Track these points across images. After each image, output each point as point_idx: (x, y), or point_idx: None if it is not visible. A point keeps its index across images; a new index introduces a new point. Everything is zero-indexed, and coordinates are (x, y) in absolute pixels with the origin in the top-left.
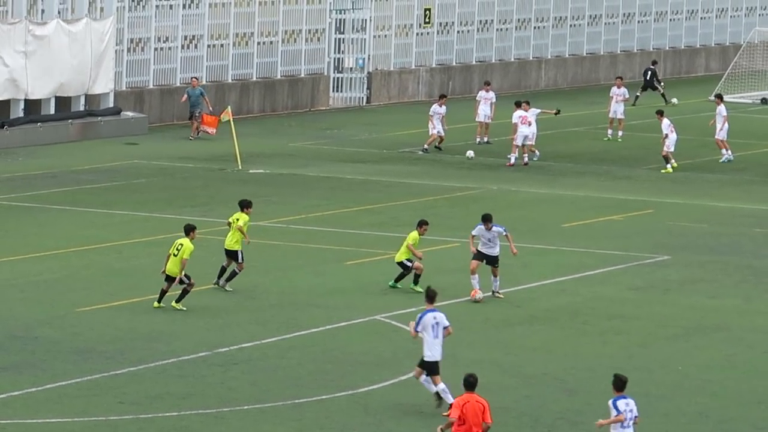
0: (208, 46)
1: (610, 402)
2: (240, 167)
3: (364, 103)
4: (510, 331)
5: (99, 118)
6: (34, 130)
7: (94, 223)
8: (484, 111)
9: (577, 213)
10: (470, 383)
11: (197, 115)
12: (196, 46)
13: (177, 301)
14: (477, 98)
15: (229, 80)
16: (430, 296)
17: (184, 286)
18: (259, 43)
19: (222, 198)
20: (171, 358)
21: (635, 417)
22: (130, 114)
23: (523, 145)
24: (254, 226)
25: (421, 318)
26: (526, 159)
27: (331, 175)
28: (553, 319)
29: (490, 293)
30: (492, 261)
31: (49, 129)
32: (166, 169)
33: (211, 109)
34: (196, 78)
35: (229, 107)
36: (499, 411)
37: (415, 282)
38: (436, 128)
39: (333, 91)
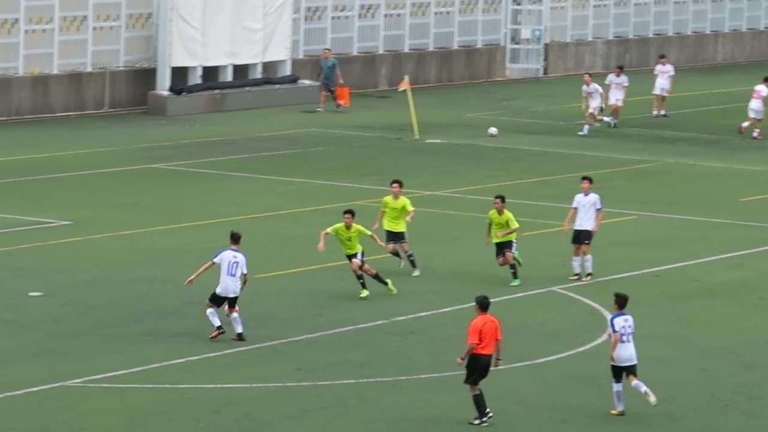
0: (385, 15)
1: (609, 319)
2: (417, 137)
3: (541, 75)
4: (686, 304)
5: (276, 85)
6: (212, 97)
7: (271, 190)
8: (661, 84)
9: (755, 187)
10: (485, 305)
11: (332, 87)
12: (372, 15)
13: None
14: (654, 71)
15: (406, 50)
16: (621, 302)
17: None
18: (435, 13)
19: (398, 168)
20: (348, 326)
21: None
22: (306, 82)
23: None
24: (431, 196)
25: (612, 321)
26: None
27: (507, 146)
28: (730, 293)
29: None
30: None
31: (227, 96)
32: (342, 138)
33: (341, 81)
34: (328, 49)
35: (406, 77)
36: (675, 384)
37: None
38: (614, 98)
39: (509, 62)
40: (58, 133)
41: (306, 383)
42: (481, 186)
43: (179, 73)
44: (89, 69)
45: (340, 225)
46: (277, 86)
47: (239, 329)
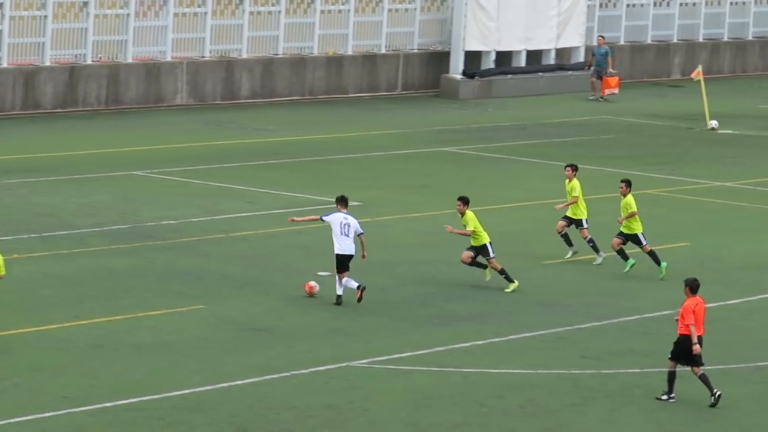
0: (680, 4)
1: None
2: (709, 127)
3: None
4: None
5: (569, 72)
6: (504, 81)
7: (561, 176)
8: None
9: None
10: (696, 287)
11: (601, 75)
12: (668, 4)
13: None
14: None
15: (700, 39)
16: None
17: None
18: (731, 3)
19: (689, 157)
20: (634, 314)
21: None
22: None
23: None
24: (721, 186)
25: None
26: None
27: None
28: None
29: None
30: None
31: (520, 81)
32: (633, 126)
33: (612, 70)
34: (602, 37)
35: (699, 67)
36: None
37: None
38: None
39: None
40: (350, 114)
41: (590, 371)
42: None
43: (472, 57)
44: (383, 51)
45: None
46: (569, 73)
47: (340, 291)
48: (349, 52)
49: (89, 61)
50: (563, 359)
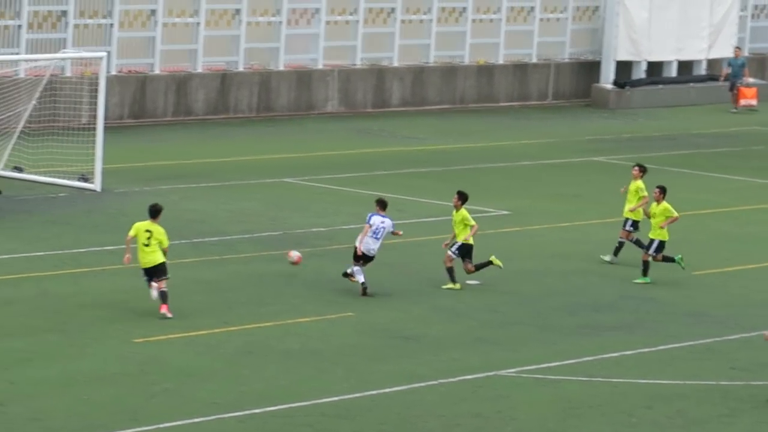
0: None
1: None
2: None
3: None
4: None
5: (720, 83)
6: (655, 91)
7: (710, 187)
8: None
9: None
10: None
11: (737, 86)
12: None
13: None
14: None
15: None
16: None
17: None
18: None
19: None
20: None
21: None
22: (751, 80)
23: None
24: None
25: None
26: None
27: None
28: None
29: None
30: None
31: (670, 92)
32: None
33: (749, 80)
34: (738, 48)
35: None
36: None
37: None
38: None
39: None
40: (500, 123)
41: (739, 382)
42: None
43: (623, 67)
44: (534, 60)
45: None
46: (720, 83)
47: (362, 278)
48: (500, 61)
49: (241, 69)
50: (712, 370)
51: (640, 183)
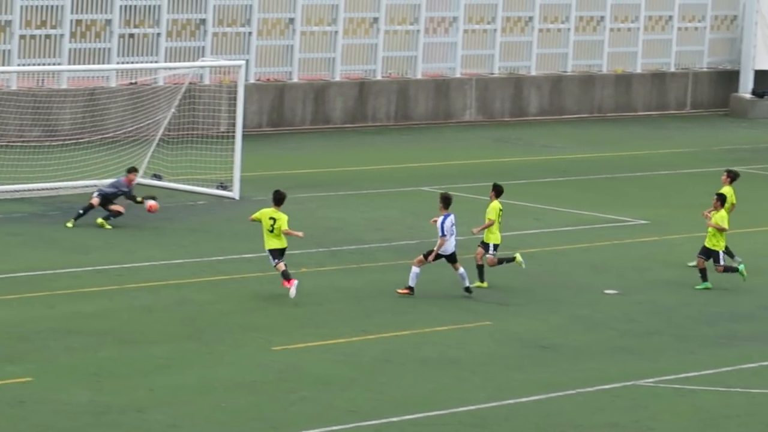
0: None
1: None
2: None
3: None
4: None
5: None
6: None
7: None
8: None
9: None
10: None
11: None
12: None
13: None
14: None
15: None
16: None
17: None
18: None
19: None
20: None
21: None
22: None
23: None
24: None
25: None
26: None
27: None
28: None
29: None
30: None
31: None
32: None
33: None
34: None
35: None
36: None
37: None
38: None
39: None
40: (638, 132)
41: None
42: None
43: (762, 77)
44: (672, 69)
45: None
46: None
47: (465, 283)
48: (638, 70)
49: (379, 77)
50: None
51: (729, 189)
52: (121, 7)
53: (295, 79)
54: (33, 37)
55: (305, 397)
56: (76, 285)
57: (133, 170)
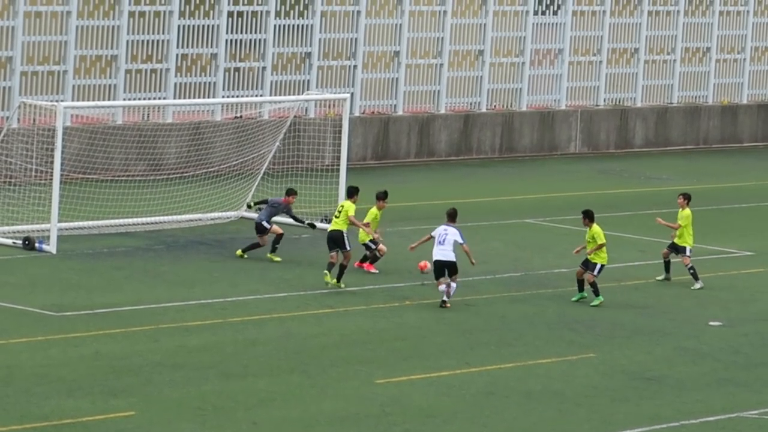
0: None
1: None
2: None
3: None
4: None
5: None
6: None
7: None
8: None
9: None
10: None
11: None
12: None
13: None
14: None
15: None
16: None
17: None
18: None
19: None
20: None
21: None
22: None
23: None
24: None
25: None
26: None
27: None
28: None
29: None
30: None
31: None
32: None
33: None
34: None
35: None
36: None
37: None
38: None
39: None
40: (744, 163)
41: None
42: None
43: None
44: None
45: None
46: None
47: (445, 297)
48: (744, 101)
49: (484, 109)
50: None
51: (686, 212)
52: (226, 41)
53: (400, 112)
54: (139, 71)
55: (408, 430)
56: (181, 319)
57: (291, 192)
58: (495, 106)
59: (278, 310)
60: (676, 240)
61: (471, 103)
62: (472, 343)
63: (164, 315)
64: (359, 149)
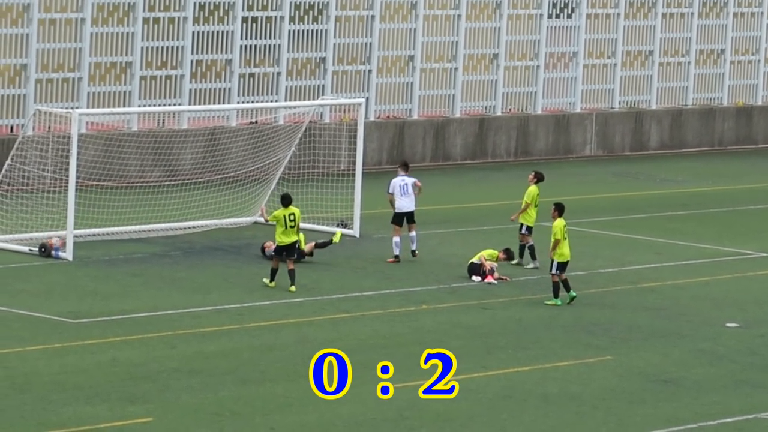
0: None
1: None
2: None
3: None
4: None
5: None
6: None
7: None
8: None
9: None
10: None
11: None
12: None
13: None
14: None
15: None
16: None
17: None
18: None
19: None
20: None
21: None
22: None
23: None
24: None
25: None
26: None
27: None
28: None
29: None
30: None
31: None
32: None
33: None
34: None
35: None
36: None
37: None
38: None
39: None
40: (759, 165)
41: None
42: None
43: None
44: None
45: None
46: None
47: (413, 246)
48: (759, 103)
49: (498, 113)
50: None
51: (531, 189)
52: (241, 47)
53: (415, 116)
54: (153, 77)
55: None
56: (197, 325)
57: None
58: (510, 109)
59: (294, 315)
60: (520, 218)
61: (486, 107)
62: (489, 347)
63: (181, 321)
64: (374, 154)
